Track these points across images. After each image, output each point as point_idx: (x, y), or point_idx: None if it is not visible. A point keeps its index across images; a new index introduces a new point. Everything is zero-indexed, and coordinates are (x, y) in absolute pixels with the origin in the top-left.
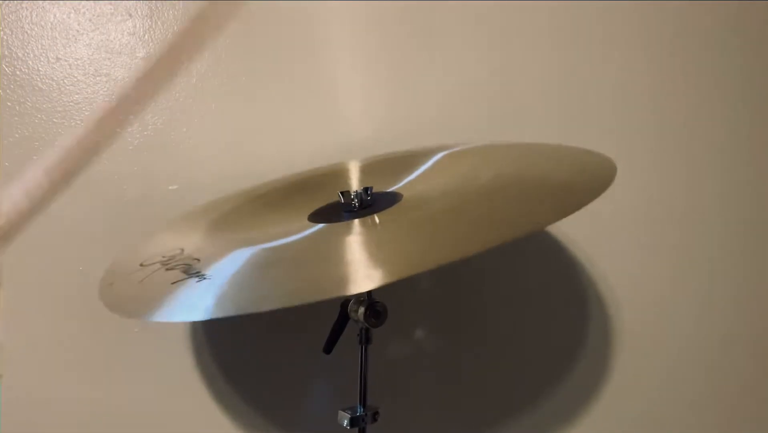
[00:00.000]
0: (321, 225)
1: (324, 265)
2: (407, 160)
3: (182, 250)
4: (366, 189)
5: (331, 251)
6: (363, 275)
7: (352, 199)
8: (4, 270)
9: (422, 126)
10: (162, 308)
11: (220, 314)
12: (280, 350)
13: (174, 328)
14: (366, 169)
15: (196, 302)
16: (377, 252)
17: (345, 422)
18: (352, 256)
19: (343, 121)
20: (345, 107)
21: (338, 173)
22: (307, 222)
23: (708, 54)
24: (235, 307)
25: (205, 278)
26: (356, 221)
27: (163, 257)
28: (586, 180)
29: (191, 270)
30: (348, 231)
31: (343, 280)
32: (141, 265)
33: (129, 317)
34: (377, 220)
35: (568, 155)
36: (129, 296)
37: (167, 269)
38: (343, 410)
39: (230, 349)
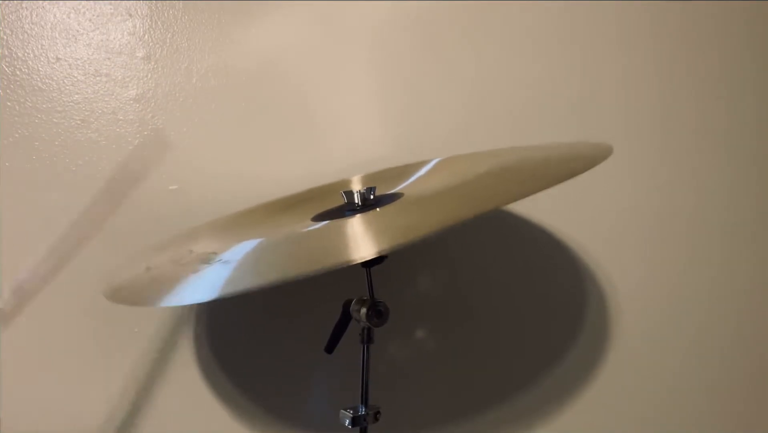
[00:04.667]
0: (324, 222)
1: (325, 240)
2: (407, 169)
3: (191, 251)
4: (369, 189)
5: (333, 231)
6: (362, 244)
7: (355, 199)
8: (4, 270)
9: (430, 144)
10: (181, 292)
11: (230, 290)
12: (282, 350)
13: (174, 327)
14: (368, 180)
15: (212, 283)
16: (376, 226)
17: (347, 422)
18: (352, 230)
19: (349, 131)
20: (351, 115)
21: (341, 185)
22: (310, 222)
23: (716, 54)
24: (243, 282)
25: (225, 262)
26: (358, 216)
27: (172, 259)
28: (579, 154)
29: (211, 260)
30: (350, 222)
31: (343, 249)
32: (147, 268)
33: (146, 306)
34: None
35: (566, 144)
36: (143, 288)
37: (181, 265)
38: (345, 410)
39: (232, 349)
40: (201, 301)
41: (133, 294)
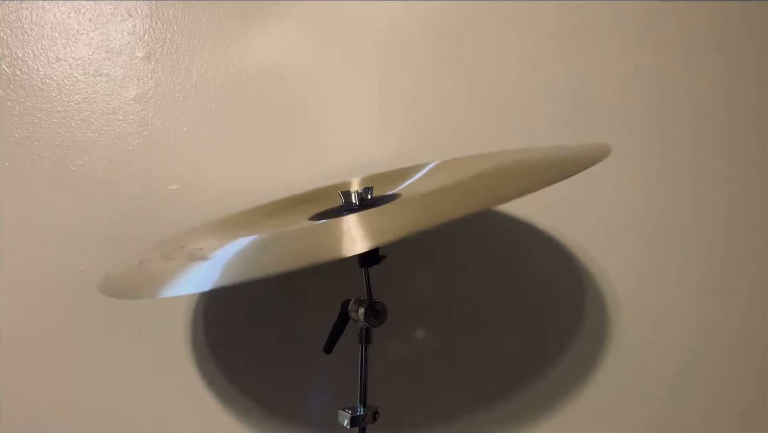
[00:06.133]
0: (322, 221)
1: (319, 236)
2: (406, 171)
3: (183, 246)
4: (366, 189)
5: (328, 227)
6: (355, 238)
7: (353, 199)
8: (4, 270)
9: (433, 146)
10: (166, 286)
11: (221, 283)
12: (281, 350)
13: (174, 328)
14: (368, 182)
15: (199, 277)
16: (371, 222)
17: (345, 422)
18: (347, 224)
19: (348, 130)
20: (349, 114)
21: (342, 187)
22: (308, 222)
23: (715, 55)
24: (235, 275)
25: (207, 259)
26: (356, 214)
27: (164, 254)
28: (578, 156)
29: (195, 257)
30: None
31: (336, 244)
32: (141, 261)
33: (133, 298)
34: None
35: (566, 147)
36: (131, 283)
37: (169, 260)
38: (344, 410)
39: (231, 349)
40: (171, 295)
41: (119, 287)
